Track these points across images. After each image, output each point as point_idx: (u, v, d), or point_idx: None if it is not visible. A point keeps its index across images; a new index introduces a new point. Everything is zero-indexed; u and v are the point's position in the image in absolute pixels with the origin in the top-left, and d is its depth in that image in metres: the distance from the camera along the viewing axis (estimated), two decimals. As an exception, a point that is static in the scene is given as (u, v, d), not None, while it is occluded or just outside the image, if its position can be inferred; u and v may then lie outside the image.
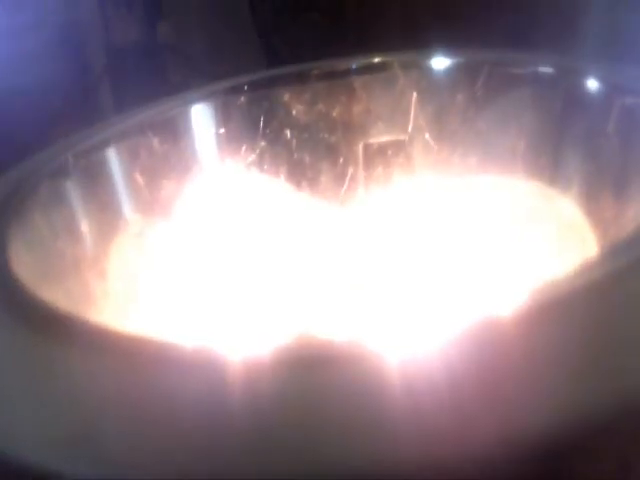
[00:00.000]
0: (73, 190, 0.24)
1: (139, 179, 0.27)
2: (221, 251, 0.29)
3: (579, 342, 0.11)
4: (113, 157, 0.27)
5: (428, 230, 0.27)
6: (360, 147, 0.30)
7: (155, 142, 0.28)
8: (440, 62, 0.28)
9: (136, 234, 0.27)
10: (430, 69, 0.28)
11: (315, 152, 0.31)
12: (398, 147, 0.30)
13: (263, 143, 0.31)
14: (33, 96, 0.53)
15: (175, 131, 0.29)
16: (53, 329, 0.15)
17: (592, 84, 0.24)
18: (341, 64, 0.31)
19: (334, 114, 0.31)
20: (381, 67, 0.29)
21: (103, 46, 0.59)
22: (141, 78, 0.57)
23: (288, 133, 0.31)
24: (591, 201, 0.24)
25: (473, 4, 0.36)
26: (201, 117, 0.30)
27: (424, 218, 0.28)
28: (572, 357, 0.11)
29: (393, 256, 0.28)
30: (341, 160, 0.31)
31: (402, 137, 0.29)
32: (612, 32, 0.31)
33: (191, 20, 0.57)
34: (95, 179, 0.26)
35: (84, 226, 0.25)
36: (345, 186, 0.31)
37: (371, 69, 0.30)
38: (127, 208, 0.27)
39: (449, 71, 0.28)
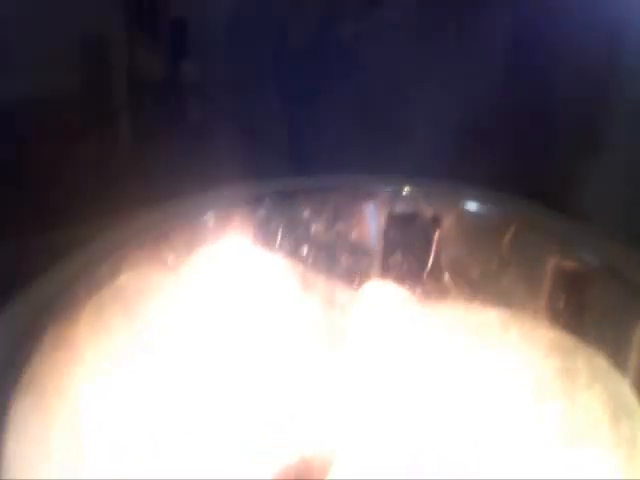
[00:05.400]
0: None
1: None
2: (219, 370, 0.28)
3: None
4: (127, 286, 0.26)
5: (439, 383, 0.27)
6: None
7: (170, 258, 0.27)
8: (471, 206, 0.27)
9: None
10: (460, 210, 0.28)
11: (331, 271, 0.30)
12: (415, 281, 0.29)
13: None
14: (51, 121, 0.52)
15: (191, 245, 0.28)
16: None
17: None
18: (368, 185, 0.30)
19: (353, 236, 0.30)
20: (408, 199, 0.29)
21: (126, 78, 0.58)
22: (160, 114, 0.56)
23: (305, 249, 0.30)
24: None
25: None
26: (219, 228, 0.29)
27: (438, 370, 0.27)
28: None
29: (397, 400, 0.27)
30: (357, 281, 0.30)
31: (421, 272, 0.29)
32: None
33: (215, 62, 0.56)
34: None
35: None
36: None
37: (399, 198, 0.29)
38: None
39: (477, 217, 0.27)
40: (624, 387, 0.22)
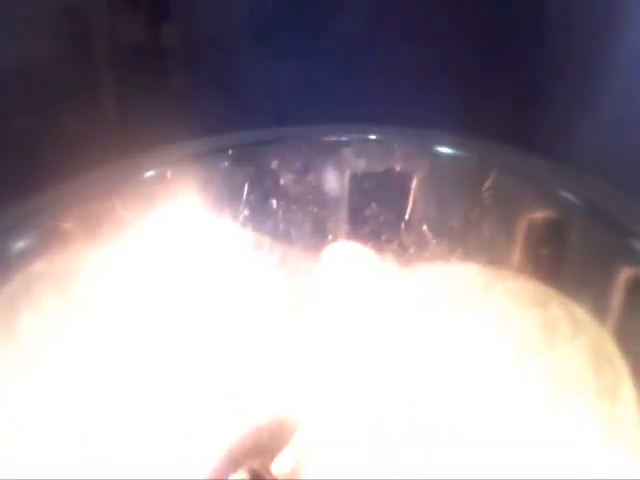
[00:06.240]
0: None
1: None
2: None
3: None
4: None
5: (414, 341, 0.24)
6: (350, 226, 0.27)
7: (123, 212, 0.25)
8: (446, 150, 0.25)
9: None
10: (435, 156, 0.25)
11: (302, 226, 0.28)
12: (393, 233, 0.27)
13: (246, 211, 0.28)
14: (35, 78, 0.51)
15: (146, 200, 0.26)
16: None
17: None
18: (340, 134, 0.27)
19: (325, 188, 0.28)
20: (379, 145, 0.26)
21: (107, 38, 0.56)
22: (142, 77, 0.54)
23: (274, 202, 0.28)
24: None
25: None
26: (178, 183, 0.27)
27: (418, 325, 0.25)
28: None
29: (368, 362, 0.25)
30: (330, 237, 0.28)
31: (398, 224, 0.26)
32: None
33: (196, 26, 0.54)
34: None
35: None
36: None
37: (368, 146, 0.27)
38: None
39: (455, 163, 0.25)
40: (605, 337, 0.20)
